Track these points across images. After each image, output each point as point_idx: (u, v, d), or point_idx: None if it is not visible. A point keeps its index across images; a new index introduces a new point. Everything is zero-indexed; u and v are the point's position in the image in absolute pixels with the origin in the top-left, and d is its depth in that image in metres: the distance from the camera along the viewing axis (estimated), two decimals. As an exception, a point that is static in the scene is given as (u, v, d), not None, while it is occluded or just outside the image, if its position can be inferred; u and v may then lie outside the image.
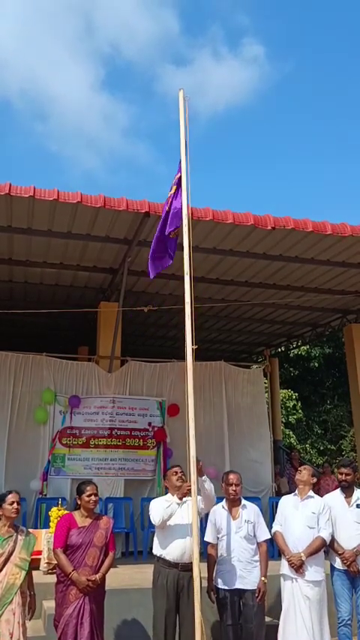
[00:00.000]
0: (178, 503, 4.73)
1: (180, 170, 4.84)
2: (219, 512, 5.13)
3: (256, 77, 62.11)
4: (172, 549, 4.66)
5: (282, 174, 60.61)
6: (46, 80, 63.19)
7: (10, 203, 6.50)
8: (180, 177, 4.82)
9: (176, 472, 4.95)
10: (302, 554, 4.92)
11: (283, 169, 61.19)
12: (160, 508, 4.72)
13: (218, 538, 5.03)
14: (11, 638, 4.11)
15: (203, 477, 4.67)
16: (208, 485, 4.77)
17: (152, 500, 4.98)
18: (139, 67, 64.69)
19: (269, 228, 6.90)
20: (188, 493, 4.46)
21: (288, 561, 4.99)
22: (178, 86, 4.80)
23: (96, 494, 4.69)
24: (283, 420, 18.50)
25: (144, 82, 65.61)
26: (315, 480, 5.32)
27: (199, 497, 4.62)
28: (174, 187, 4.86)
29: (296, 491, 5.33)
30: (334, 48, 54.99)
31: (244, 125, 62.59)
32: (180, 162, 4.87)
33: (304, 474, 5.27)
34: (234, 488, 5.06)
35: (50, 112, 65.36)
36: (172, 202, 4.81)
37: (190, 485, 4.27)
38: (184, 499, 4.77)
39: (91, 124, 69.40)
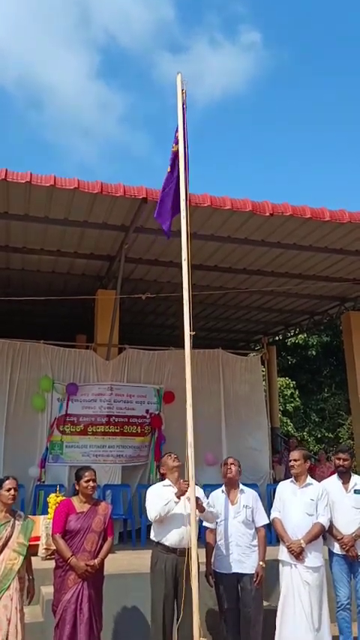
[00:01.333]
0: (176, 502, 4.68)
1: (177, 141, 4.83)
2: (217, 497, 5.15)
3: (253, 64, 61.69)
4: (170, 535, 4.67)
5: (279, 162, 60.38)
6: (42, 69, 62.81)
7: (6, 189, 6.44)
8: (177, 151, 4.82)
9: (170, 454, 4.98)
10: (302, 541, 4.95)
11: (281, 157, 60.93)
12: (157, 504, 4.70)
13: (217, 523, 5.06)
14: (9, 623, 4.12)
15: (205, 512, 4.75)
16: (210, 516, 4.87)
17: (149, 489, 4.98)
18: (135, 56, 64.26)
19: (267, 214, 6.87)
20: (186, 490, 4.46)
21: (288, 548, 5.01)
22: (174, 74, 4.77)
23: (94, 480, 4.69)
24: (281, 408, 18.56)
25: (140, 70, 65.22)
26: (308, 463, 5.35)
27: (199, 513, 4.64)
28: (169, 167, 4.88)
29: (293, 478, 5.35)
30: (332, 34, 54.60)
31: (240, 112, 62.24)
32: (177, 132, 4.85)
33: (297, 465, 5.23)
34: (229, 467, 5.13)
35: (46, 101, 64.96)
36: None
37: (188, 481, 4.30)
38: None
39: (86, 112, 69.04)
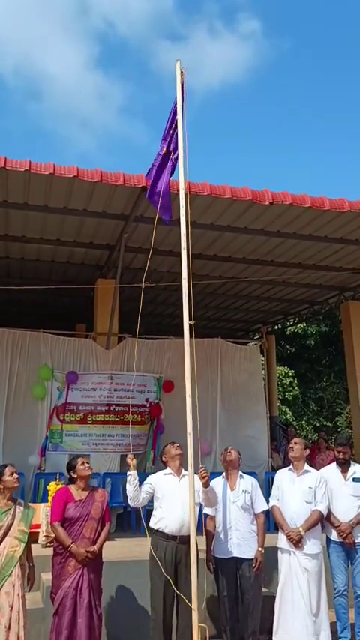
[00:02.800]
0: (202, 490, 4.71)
1: (173, 121, 4.85)
2: (217, 482, 5.21)
3: (253, 53, 61.22)
4: (169, 522, 4.71)
5: (279, 152, 60.08)
6: (40, 59, 62.29)
7: (5, 177, 6.41)
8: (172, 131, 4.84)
9: (173, 443, 5.02)
10: (301, 529, 5.00)
11: (281, 146, 60.63)
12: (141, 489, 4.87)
13: (216, 509, 5.10)
14: (11, 609, 4.17)
15: (209, 488, 4.73)
16: (213, 495, 4.84)
17: (150, 476, 5.05)
18: (134, 45, 63.77)
19: (267, 203, 6.85)
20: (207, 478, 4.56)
21: (287, 536, 5.06)
22: (173, 64, 4.74)
23: (88, 462, 4.77)
24: (280, 397, 18.63)
25: (139, 60, 64.74)
26: (307, 452, 5.40)
27: (201, 494, 4.69)
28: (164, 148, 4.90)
29: (291, 466, 5.39)
30: (333, 23, 54.12)
31: (239, 102, 61.84)
32: (172, 113, 4.85)
33: (297, 449, 5.31)
34: (229, 451, 5.24)
35: (44, 91, 64.55)
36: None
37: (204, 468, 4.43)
38: (183, 473, 4.80)
39: (85, 103, 68.59)
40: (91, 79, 66.41)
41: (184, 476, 4.80)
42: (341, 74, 55.66)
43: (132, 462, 4.77)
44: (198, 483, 4.67)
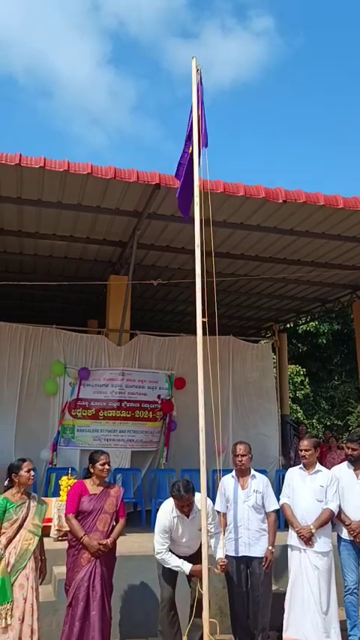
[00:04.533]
0: (184, 572, 4.59)
1: (191, 126, 4.85)
2: (228, 481, 5.22)
3: (265, 51, 60.93)
4: (177, 551, 4.74)
5: (291, 151, 59.81)
6: (52, 57, 62.38)
7: (20, 174, 6.46)
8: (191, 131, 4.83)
9: (182, 497, 4.56)
10: (312, 527, 5.01)
11: (293, 145, 60.36)
12: (167, 554, 4.64)
13: (227, 507, 5.12)
14: (25, 602, 4.21)
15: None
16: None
17: (159, 514, 4.76)
18: (146, 43, 63.63)
19: (280, 201, 6.84)
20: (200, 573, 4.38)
21: (297, 534, 5.07)
22: (184, 62, 4.75)
23: (109, 464, 4.78)
24: (291, 396, 18.58)
25: (150, 57, 64.61)
26: (318, 451, 5.41)
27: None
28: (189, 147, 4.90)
29: (302, 465, 5.39)
30: (348, 20, 53.73)
31: (251, 100, 61.61)
32: (191, 119, 4.85)
33: (309, 455, 5.27)
34: (240, 459, 5.13)
35: (56, 90, 64.72)
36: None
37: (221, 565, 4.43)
38: (193, 515, 4.64)
39: (97, 101, 68.67)
40: (102, 77, 66.53)
41: (192, 518, 4.65)
42: (356, 70, 55.29)
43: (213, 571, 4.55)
44: (209, 503, 4.65)
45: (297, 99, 58.79)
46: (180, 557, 4.68)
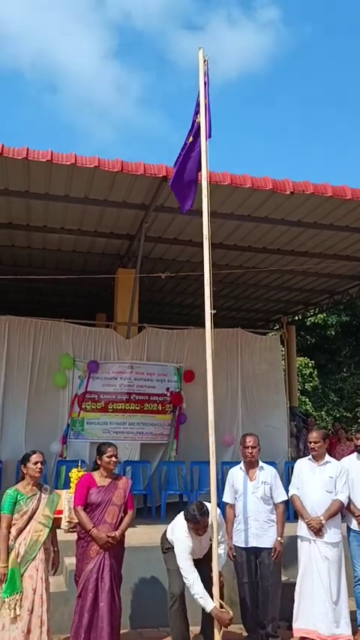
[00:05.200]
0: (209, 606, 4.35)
1: (196, 120, 4.83)
2: (236, 473, 5.23)
3: (272, 42, 60.44)
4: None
5: (299, 142, 59.44)
6: (58, 51, 62.19)
7: (27, 168, 6.47)
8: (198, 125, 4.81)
9: (197, 522, 4.46)
10: (322, 518, 5.02)
11: (300, 136, 59.97)
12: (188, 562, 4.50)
13: (236, 498, 5.14)
14: (34, 593, 4.25)
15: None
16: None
17: (176, 539, 4.61)
18: (151, 35, 63.29)
19: (288, 192, 6.82)
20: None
21: (307, 525, 5.08)
22: (190, 53, 4.73)
23: (116, 456, 4.78)
24: (299, 388, 18.57)
25: (156, 50, 64.29)
26: (327, 443, 5.43)
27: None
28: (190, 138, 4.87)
29: (311, 456, 5.39)
30: (354, 9, 53.18)
31: (258, 91, 61.21)
32: (196, 110, 4.83)
33: (319, 446, 5.27)
34: (250, 451, 5.14)
35: (62, 84, 64.58)
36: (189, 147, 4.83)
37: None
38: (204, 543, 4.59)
39: (103, 94, 68.48)
40: (108, 71, 66.34)
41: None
42: (363, 61, 54.72)
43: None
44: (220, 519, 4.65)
45: (304, 89, 58.37)
46: None
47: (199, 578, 4.39)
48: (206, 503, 4.53)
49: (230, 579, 5.21)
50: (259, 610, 5.03)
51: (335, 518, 5.12)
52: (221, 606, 4.29)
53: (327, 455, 5.38)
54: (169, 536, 4.81)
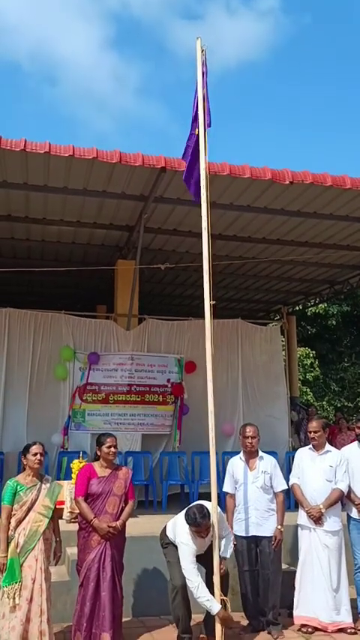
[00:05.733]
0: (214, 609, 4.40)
1: (197, 110, 4.81)
2: (236, 463, 5.26)
3: (271, 30, 59.98)
4: None
5: (298, 131, 59.16)
6: (54, 42, 61.63)
7: (25, 160, 6.45)
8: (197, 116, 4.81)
9: (198, 528, 4.48)
10: (322, 507, 5.05)
11: (300, 126, 59.67)
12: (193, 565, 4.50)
13: (236, 488, 5.18)
14: (33, 582, 4.28)
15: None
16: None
17: (180, 540, 4.60)
18: (149, 25, 62.75)
19: (287, 182, 6.80)
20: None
21: (307, 513, 5.12)
22: (189, 43, 4.72)
23: (115, 446, 4.81)
24: (300, 378, 18.59)
25: (154, 40, 63.80)
26: (327, 432, 5.46)
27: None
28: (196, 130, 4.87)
29: (311, 445, 5.42)
30: (357, -6, 52.69)
31: (257, 81, 60.84)
32: (196, 100, 4.82)
33: (319, 435, 5.29)
34: (250, 441, 5.17)
35: (60, 75, 64.14)
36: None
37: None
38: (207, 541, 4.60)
39: (101, 85, 68.06)
40: (106, 61, 65.87)
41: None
42: (364, 49, 54.32)
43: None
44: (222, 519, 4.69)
45: (304, 78, 58.02)
46: None
47: (203, 582, 4.41)
48: (206, 504, 4.54)
49: (231, 568, 5.25)
50: (259, 598, 5.08)
51: (335, 507, 5.16)
52: (222, 602, 4.34)
53: (327, 444, 5.41)
54: (169, 534, 4.84)
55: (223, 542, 4.64)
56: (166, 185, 7.02)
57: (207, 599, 4.34)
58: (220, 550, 4.53)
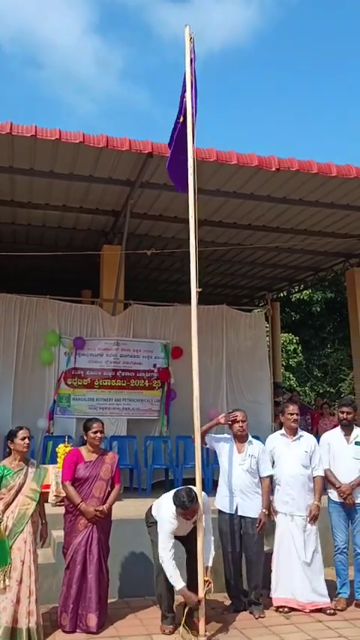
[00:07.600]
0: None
1: (184, 98, 4.81)
2: (225, 445, 5.37)
3: (258, 14, 59.46)
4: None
5: (285, 117, 58.98)
6: (38, 25, 60.49)
7: (11, 143, 6.40)
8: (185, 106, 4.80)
9: (185, 515, 4.60)
10: (317, 504, 5.27)
11: (287, 112, 59.48)
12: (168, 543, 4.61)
13: (224, 469, 5.29)
14: (22, 564, 4.35)
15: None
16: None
17: (162, 518, 4.70)
18: (134, 8, 61.79)
19: (274, 169, 6.83)
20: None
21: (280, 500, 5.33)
22: (174, 26, 4.71)
23: (102, 432, 4.86)
24: (284, 363, 18.78)
25: (139, 23, 62.87)
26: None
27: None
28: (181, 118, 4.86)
29: (283, 430, 5.54)
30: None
31: (243, 66, 60.39)
32: (184, 89, 4.82)
33: (293, 419, 5.45)
34: (241, 425, 5.27)
35: (43, 58, 63.08)
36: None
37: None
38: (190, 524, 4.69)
39: (85, 68, 67.07)
40: (90, 44, 64.86)
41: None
42: (353, 31, 54.17)
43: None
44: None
45: (290, 63, 57.69)
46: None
47: (172, 558, 4.53)
48: (195, 489, 4.62)
49: (215, 549, 5.36)
50: (242, 578, 5.20)
51: (309, 491, 5.34)
52: (206, 583, 4.47)
53: (299, 429, 5.57)
54: (154, 513, 4.93)
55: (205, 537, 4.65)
56: (153, 170, 7.01)
57: (170, 575, 4.49)
58: (203, 532, 4.61)
